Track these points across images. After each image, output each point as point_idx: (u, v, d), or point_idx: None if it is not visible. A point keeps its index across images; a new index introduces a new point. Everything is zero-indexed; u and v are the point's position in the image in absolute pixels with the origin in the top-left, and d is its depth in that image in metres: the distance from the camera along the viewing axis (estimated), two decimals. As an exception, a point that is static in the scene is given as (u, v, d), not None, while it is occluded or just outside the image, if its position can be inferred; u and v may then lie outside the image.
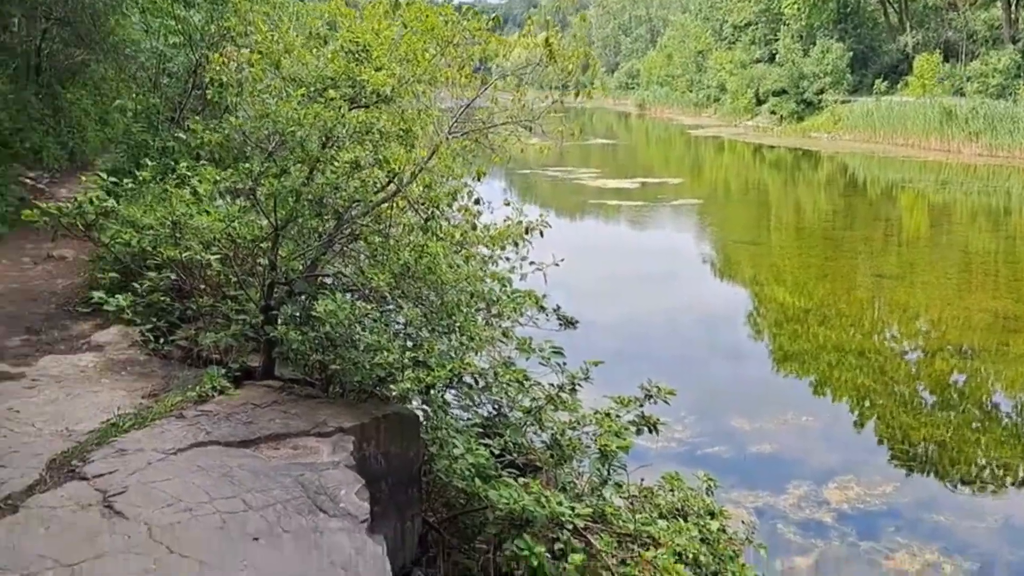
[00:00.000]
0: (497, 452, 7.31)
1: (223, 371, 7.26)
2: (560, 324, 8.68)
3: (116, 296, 7.70)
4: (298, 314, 7.18)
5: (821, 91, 71.38)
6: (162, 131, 13.92)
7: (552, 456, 7.66)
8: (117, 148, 19.96)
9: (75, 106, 24.96)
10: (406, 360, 6.45)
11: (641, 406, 8.03)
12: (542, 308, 8.55)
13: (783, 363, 17.22)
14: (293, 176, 6.99)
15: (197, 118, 13.51)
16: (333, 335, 6.69)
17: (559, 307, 8.72)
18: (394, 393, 6.54)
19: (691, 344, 18.63)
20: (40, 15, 19.80)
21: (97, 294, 7.63)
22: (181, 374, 7.50)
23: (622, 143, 76.02)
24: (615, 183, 43.54)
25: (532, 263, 8.06)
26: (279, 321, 7.54)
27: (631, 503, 7.59)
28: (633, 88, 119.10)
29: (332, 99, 6.84)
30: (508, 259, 8.04)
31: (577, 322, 8.82)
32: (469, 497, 7.13)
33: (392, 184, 7.43)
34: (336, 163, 7.12)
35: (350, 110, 7.17)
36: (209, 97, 14.83)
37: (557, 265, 8.07)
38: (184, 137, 12.74)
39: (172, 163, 12.86)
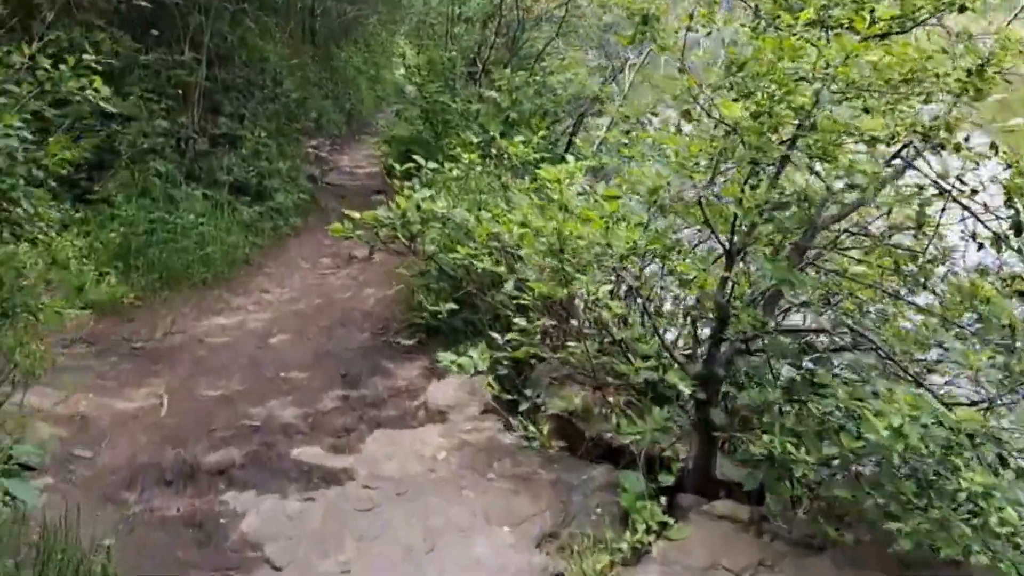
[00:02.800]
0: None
1: (643, 480, 4.43)
2: None
3: (469, 355, 5.02)
4: (779, 400, 4.14)
5: None
6: (460, 90, 11.37)
7: None
8: (396, 107, 18.12)
9: (348, 65, 23.54)
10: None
11: None
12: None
13: None
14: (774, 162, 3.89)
15: (506, 71, 10.87)
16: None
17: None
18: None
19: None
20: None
21: (445, 358, 4.97)
22: (575, 479, 4.76)
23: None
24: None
25: None
26: (721, 397, 4.61)
27: None
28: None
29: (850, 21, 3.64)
30: None
31: None
32: None
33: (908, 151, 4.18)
34: (829, 134, 3.94)
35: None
36: (519, 45, 12.12)
37: None
38: (495, 96, 10.09)
39: (482, 130, 10.32)
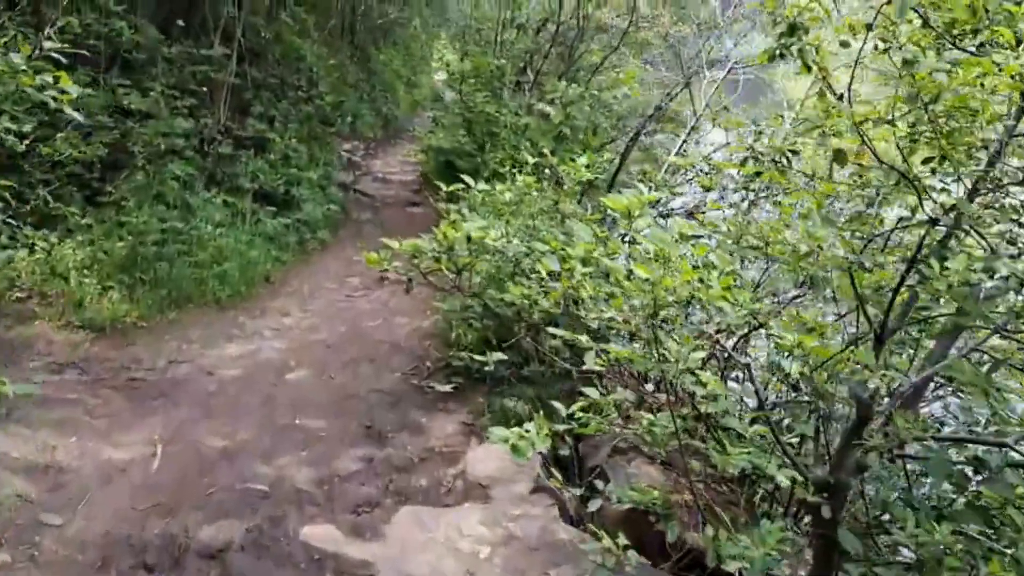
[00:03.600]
0: None
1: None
2: None
3: (525, 430, 3.99)
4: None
5: None
6: (508, 101, 10.39)
7: None
8: (434, 113, 17.32)
9: (387, 67, 22.74)
10: None
11: None
12: None
13: None
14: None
15: (560, 83, 9.89)
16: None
17: None
18: None
19: None
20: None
21: (496, 435, 3.94)
22: (655, 600, 3.74)
23: None
24: None
25: None
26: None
27: None
28: None
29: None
30: None
31: None
32: None
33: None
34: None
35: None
36: (576, 56, 11.11)
37: None
38: (549, 109, 9.10)
39: (531, 145, 9.36)
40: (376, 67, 20.95)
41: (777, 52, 3.02)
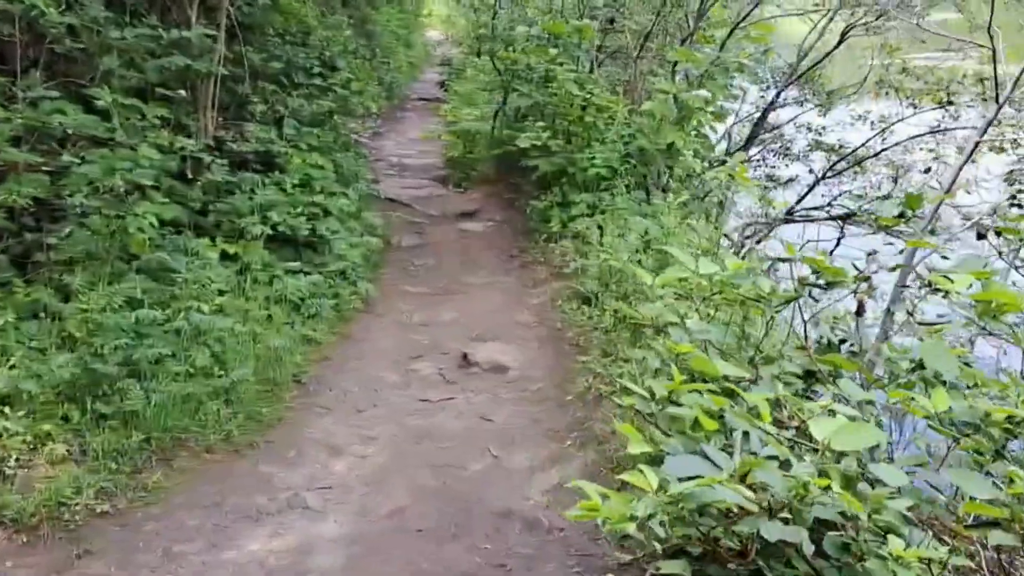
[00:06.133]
0: None
1: None
2: None
3: None
4: None
5: None
6: (598, 77, 7.37)
7: None
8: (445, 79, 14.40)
9: (385, 30, 19.68)
10: None
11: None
12: None
13: None
14: None
15: (685, 48, 6.83)
16: None
17: None
18: None
19: None
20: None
21: None
22: None
23: None
24: None
25: None
26: None
27: None
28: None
29: None
30: None
31: None
32: None
33: None
34: None
35: None
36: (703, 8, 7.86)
37: None
38: (674, 89, 6.16)
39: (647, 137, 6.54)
40: (373, 30, 17.81)
41: None
